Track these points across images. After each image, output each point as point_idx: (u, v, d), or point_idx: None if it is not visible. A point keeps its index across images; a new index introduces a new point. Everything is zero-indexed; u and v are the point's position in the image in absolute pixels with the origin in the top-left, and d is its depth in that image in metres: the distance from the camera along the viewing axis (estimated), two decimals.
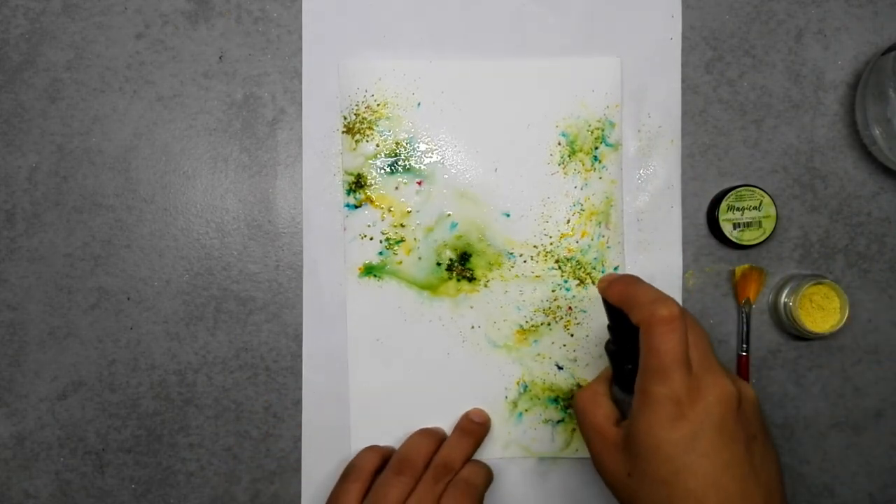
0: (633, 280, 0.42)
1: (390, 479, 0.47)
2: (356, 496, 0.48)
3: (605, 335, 0.52)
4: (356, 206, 0.52)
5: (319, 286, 0.52)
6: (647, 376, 0.39)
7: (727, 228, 0.52)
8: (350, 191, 0.52)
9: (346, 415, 0.52)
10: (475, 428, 0.51)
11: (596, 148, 0.53)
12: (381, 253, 0.52)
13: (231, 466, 0.52)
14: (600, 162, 0.52)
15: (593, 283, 0.52)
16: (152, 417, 0.52)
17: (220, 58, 0.52)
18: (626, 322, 0.41)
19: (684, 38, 0.53)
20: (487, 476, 0.50)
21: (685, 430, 0.37)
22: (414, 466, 0.48)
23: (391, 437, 0.52)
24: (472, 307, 0.52)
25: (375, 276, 0.52)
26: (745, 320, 0.53)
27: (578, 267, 0.52)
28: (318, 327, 0.52)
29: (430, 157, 0.52)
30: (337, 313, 0.52)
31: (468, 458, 0.50)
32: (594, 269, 0.52)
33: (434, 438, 0.50)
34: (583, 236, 0.52)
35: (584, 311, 0.52)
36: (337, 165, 0.52)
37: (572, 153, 0.52)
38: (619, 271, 0.53)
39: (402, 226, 0.52)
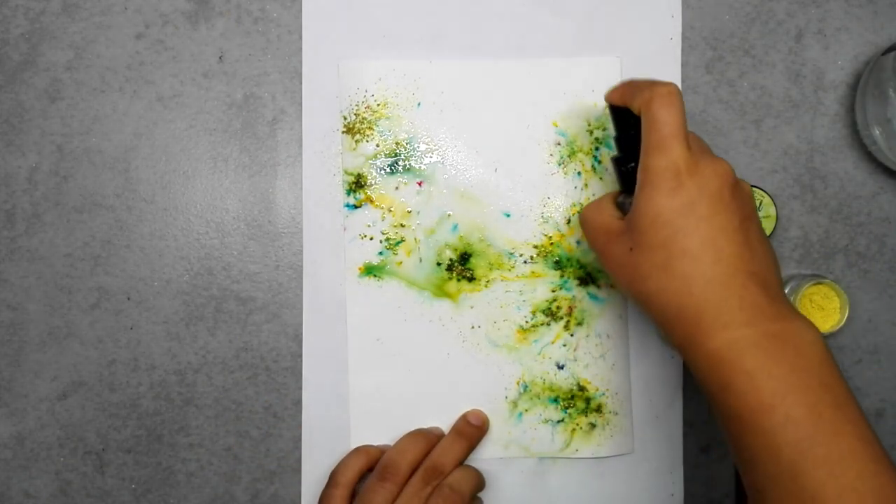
0: (632, 79, 0.44)
1: (374, 486, 0.48)
2: (341, 502, 0.48)
3: (606, 334, 0.52)
4: (356, 206, 0.52)
5: (319, 286, 0.52)
6: (648, 153, 0.40)
7: None
8: (350, 191, 0.52)
9: (346, 415, 0.52)
10: (471, 431, 0.51)
11: (596, 148, 0.53)
12: (381, 253, 0.52)
13: (231, 466, 0.52)
14: (600, 162, 0.52)
15: (593, 283, 0.52)
16: (152, 417, 0.52)
17: (220, 58, 0.52)
18: (631, 120, 0.43)
19: (684, 38, 0.53)
20: (476, 482, 0.50)
21: (683, 197, 0.39)
22: (398, 472, 0.48)
23: (391, 436, 0.52)
24: (472, 307, 0.52)
25: (375, 276, 0.52)
26: None
27: (579, 267, 0.52)
28: (318, 327, 0.52)
29: (431, 157, 0.52)
30: (337, 313, 0.52)
31: (460, 462, 0.50)
32: (594, 269, 0.52)
33: (424, 441, 0.50)
34: (583, 237, 0.52)
35: (585, 311, 0.52)
36: (337, 165, 0.52)
37: (572, 153, 0.52)
38: None
39: (402, 226, 0.52)
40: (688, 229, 0.39)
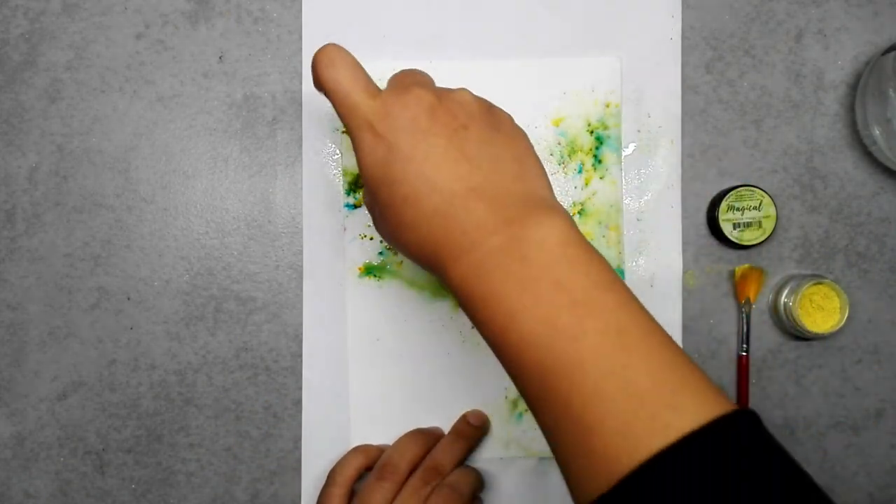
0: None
1: (372, 485, 0.48)
2: (339, 502, 0.48)
3: None
4: (356, 206, 0.52)
5: (319, 286, 0.52)
6: (342, 117, 0.38)
7: (727, 228, 0.52)
8: (350, 191, 0.52)
9: (346, 414, 0.52)
10: (470, 431, 0.51)
11: (596, 148, 0.53)
12: (381, 253, 0.52)
13: (231, 466, 0.52)
14: (600, 162, 0.52)
15: None
16: (152, 417, 0.52)
17: (220, 58, 0.52)
18: None
19: (684, 38, 0.53)
20: (475, 482, 0.50)
21: (383, 147, 0.36)
22: (397, 472, 0.48)
23: (391, 436, 0.52)
24: None
25: (375, 276, 0.52)
26: (745, 320, 0.53)
27: None
28: (318, 327, 0.52)
29: None
30: (337, 313, 0.52)
31: (459, 462, 0.50)
32: None
33: (423, 441, 0.50)
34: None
35: None
36: (337, 165, 0.52)
37: (572, 153, 0.52)
38: (620, 272, 0.53)
39: None
40: (397, 175, 0.36)
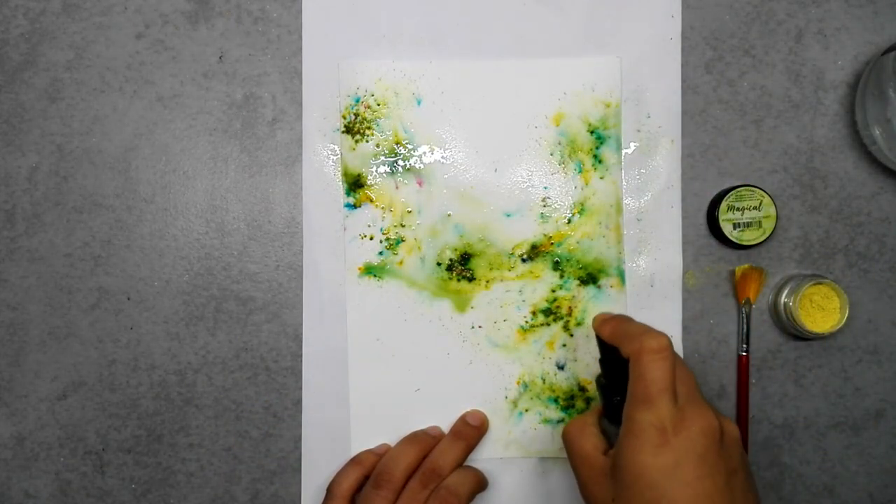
0: (625, 318, 0.44)
1: (370, 494, 0.48)
2: None
3: None
4: (356, 206, 0.52)
5: (319, 286, 0.52)
6: (634, 404, 0.40)
7: (727, 228, 0.52)
8: (350, 191, 0.52)
9: (346, 414, 0.52)
10: (469, 431, 0.51)
11: (597, 147, 0.53)
12: (381, 253, 0.52)
13: (231, 466, 0.52)
14: (601, 162, 0.53)
15: (594, 282, 0.52)
16: (152, 417, 0.52)
17: (220, 58, 0.52)
18: (618, 356, 0.42)
19: (684, 38, 0.53)
20: (475, 483, 0.50)
21: (668, 458, 0.38)
22: (393, 479, 0.48)
23: (391, 436, 0.52)
24: (472, 307, 0.52)
25: (375, 276, 0.52)
26: (745, 320, 0.53)
27: (579, 267, 0.52)
28: (318, 327, 0.52)
29: (431, 156, 0.52)
30: (337, 313, 0.52)
31: (458, 463, 0.50)
32: (594, 269, 0.52)
33: (420, 445, 0.50)
34: (583, 236, 0.52)
35: (585, 311, 0.52)
36: (337, 165, 0.52)
37: (572, 153, 0.52)
38: (620, 272, 0.53)
39: (402, 226, 0.52)
40: (672, 496, 0.38)
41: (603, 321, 0.44)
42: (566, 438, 0.45)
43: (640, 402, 0.40)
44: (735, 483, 0.39)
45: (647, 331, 0.41)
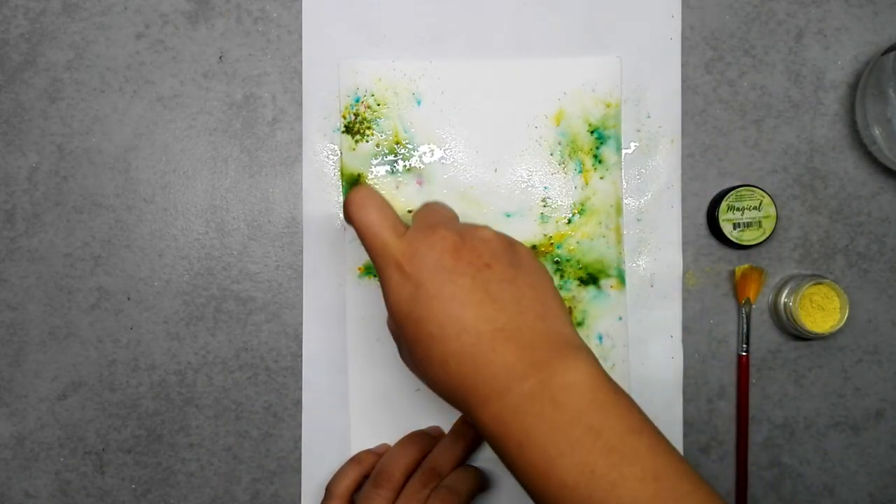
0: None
1: (369, 493, 0.48)
2: None
3: (605, 335, 0.52)
4: None
5: (319, 286, 0.52)
6: (371, 256, 0.40)
7: (727, 228, 0.52)
8: (350, 190, 0.52)
9: (346, 415, 0.52)
10: (469, 431, 0.51)
11: (597, 148, 0.53)
12: None
13: (231, 466, 0.52)
14: (601, 162, 0.53)
15: (593, 283, 0.52)
16: (152, 417, 0.52)
17: (220, 58, 0.52)
18: None
19: (684, 38, 0.53)
20: (475, 482, 0.49)
21: (409, 286, 0.38)
22: (392, 478, 0.48)
23: (391, 436, 0.52)
24: None
25: (376, 276, 0.52)
26: (745, 320, 0.53)
27: (578, 267, 0.52)
28: (318, 327, 0.52)
29: (430, 156, 0.52)
30: (337, 313, 0.52)
31: (459, 463, 0.50)
32: (594, 270, 0.52)
33: (419, 444, 0.50)
34: (583, 237, 0.52)
35: (584, 312, 0.52)
36: (337, 165, 0.52)
37: (573, 153, 0.52)
38: (621, 272, 0.52)
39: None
40: (424, 313, 0.37)
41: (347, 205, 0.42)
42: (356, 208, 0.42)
43: (371, 252, 0.40)
44: (489, 279, 0.38)
45: (350, 192, 0.41)
